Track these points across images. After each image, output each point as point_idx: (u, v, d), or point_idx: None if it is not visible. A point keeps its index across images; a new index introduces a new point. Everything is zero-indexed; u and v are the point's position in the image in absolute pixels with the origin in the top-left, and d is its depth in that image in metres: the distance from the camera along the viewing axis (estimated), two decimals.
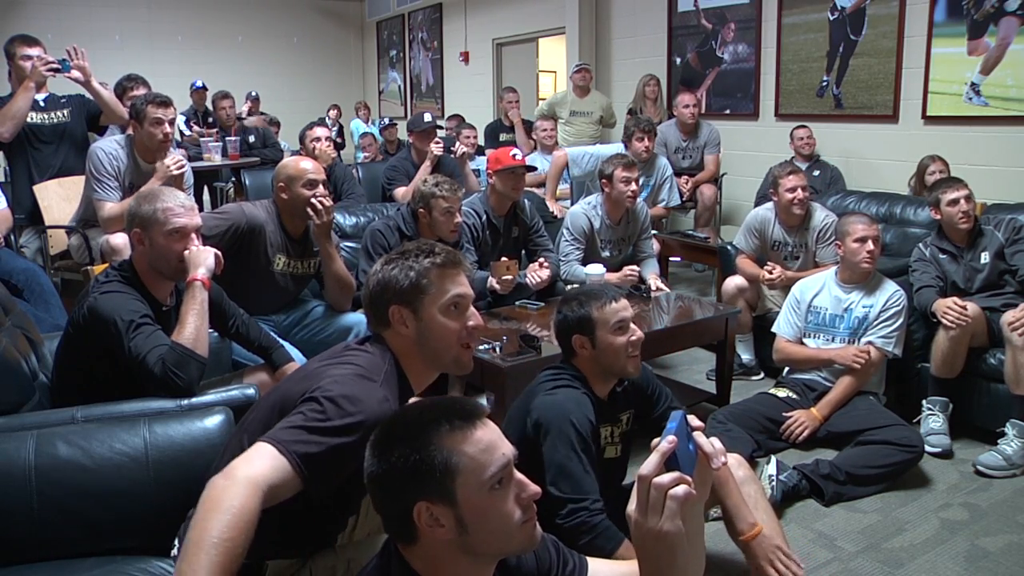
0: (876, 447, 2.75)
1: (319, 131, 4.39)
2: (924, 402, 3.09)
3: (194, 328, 2.04)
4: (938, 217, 3.27)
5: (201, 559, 1.18)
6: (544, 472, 1.82)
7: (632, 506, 1.04)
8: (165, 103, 3.32)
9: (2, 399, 1.97)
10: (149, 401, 1.96)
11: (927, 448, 2.90)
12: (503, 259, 3.37)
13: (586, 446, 1.85)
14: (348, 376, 1.46)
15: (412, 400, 1.59)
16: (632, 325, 2.00)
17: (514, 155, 3.54)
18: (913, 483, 2.77)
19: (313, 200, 2.78)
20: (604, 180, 3.71)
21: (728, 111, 6.24)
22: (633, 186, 3.67)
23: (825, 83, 5.47)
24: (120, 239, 3.14)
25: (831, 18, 5.38)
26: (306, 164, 2.88)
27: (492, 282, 3.31)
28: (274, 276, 2.91)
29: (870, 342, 3.03)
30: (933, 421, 3.03)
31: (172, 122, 3.35)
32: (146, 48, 10.00)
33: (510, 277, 3.31)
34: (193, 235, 2.18)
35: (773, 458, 2.72)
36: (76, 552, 1.66)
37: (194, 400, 1.98)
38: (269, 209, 2.90)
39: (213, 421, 1.81)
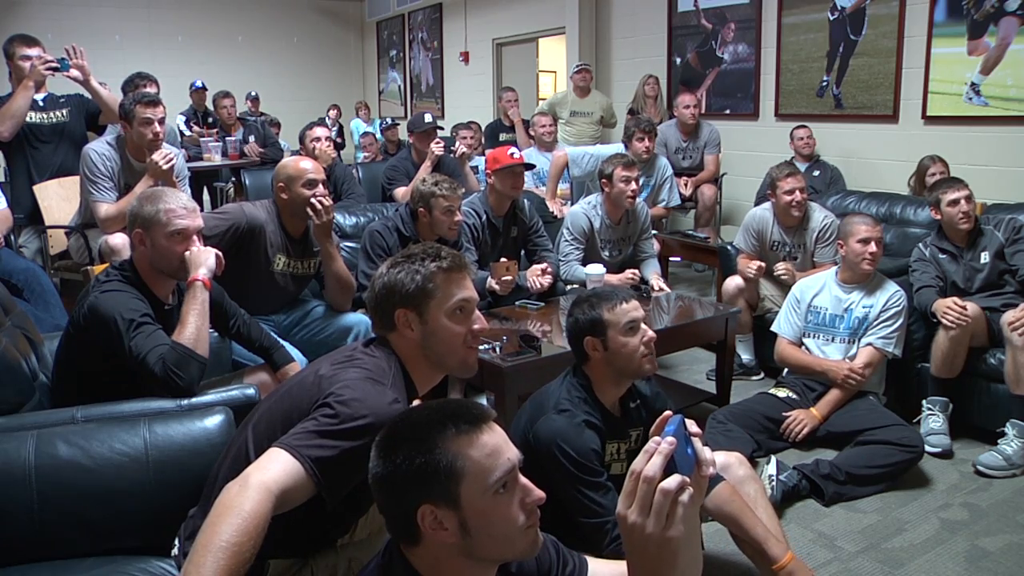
0: (876, 447, 2.75)
1: (319, 131, 4.39)
2: (924, 402, 3.09)
3: (195, 328, 2.04)
4: (938, 217, 3.27)
5: (208, 562, 1.18)
6: (541, 479, 1.81)
7: (629, 509, 1.00)
8: (153, 102, 3.32)
9: (2, 399, 1.97)
10: (149, 401, 1.95)
11: (927, 448, 2.90)
12: (503, 260, 3.37)
13: (591, 470, 1.84)
14: (358, 380, 1.47)
15: (416, 403, 1.59)
16: (643, 325, 2.00)
17: (512, 154, 3.54)
18: (913, 483, 2.77)
19: (313, 200, 2.78)
20: (604, 180, 3.71)
21: (728, 111, 6.24)
22: (633, 185, 3.67)
23: (825, 83, 5.47)
24: (119, 240, 3.14)
25: (831, 18, 5.38)
26: (306, 164, 2.88)
27: (492, 283, 3.32)
28: (274, 276, 2.91)
29: (870, 343, 3.03)
30: (933, 421, 3.03)
31: (162, 121, 3.35)
32: (146, 48, 9.99)
33: (510, 278, 3.32)
34: (195, 236, 2.18)
35: (773, 458, 2.72)
36: (76, 552, 1.66)
37: (194, 400, 1.98)
38: (269, 209, 2.90)
39: (213, 421, 1.81)
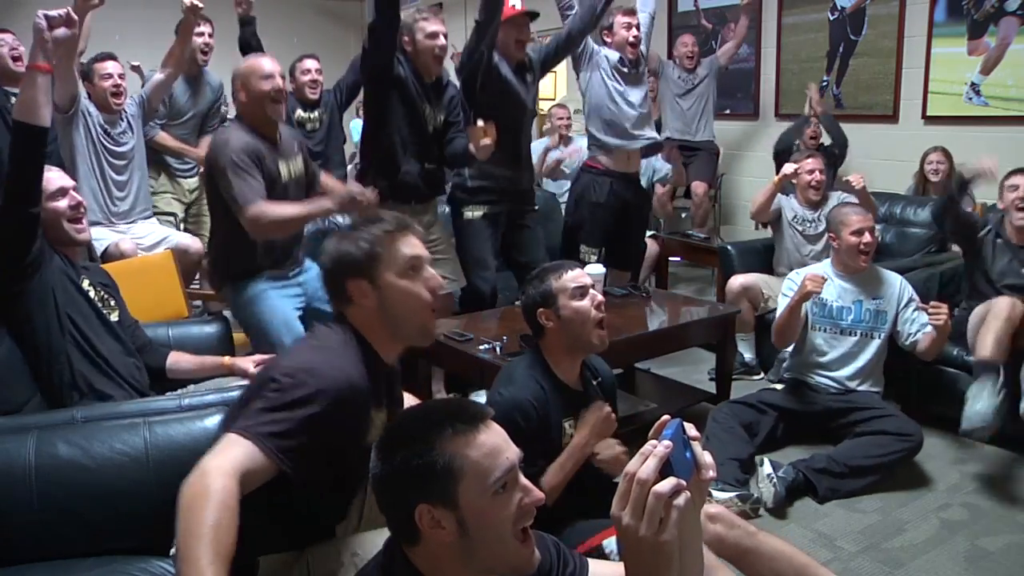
0: (873, 437, 2.74)
1: (309, 63, 4.41)
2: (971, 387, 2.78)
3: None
4: (1002, 206, 3.19)
5: (200, 548, 1.17)
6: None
7: (623, 511, 0.99)
8: (106, 58, 3.73)
9: (2, 399, 1.97)
10: (149, 401, 1.96)
11: (964, 424, 2.68)
12: (479, 123, 3.08)
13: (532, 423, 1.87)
14: (303, 351, 1.48)
15: (406, 400, 1.58)
16: (592, 290, 2.00)
17: (512, 5, 3.49)
18: (913, 483, 2.78)
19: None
20: (605, 31, 3.76)
21: (728, 111, 6.23)
22: (635, 31, 3.68)
23: (825, 83, 5.47)
24: (128, 245, 3.15)
25: (831, 18, 5.38)
26: (262, 60, 2.75)
27: (471, 148, 3.10)
28: (284, 187, 2.74)
29: (915, 340, 2.95)
30: (980, 401, 2.69)
31: (122, 76, 3.70)
32: (146, 48, 9.95)
33: (488, 141, 3.07)
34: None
35: (765, 459, 2.69)
36: (76, 552, 1.66)
37: (194, 400, 1.98)
38: (238, 127, 2.72)
39: (213, 421, 1.81)
